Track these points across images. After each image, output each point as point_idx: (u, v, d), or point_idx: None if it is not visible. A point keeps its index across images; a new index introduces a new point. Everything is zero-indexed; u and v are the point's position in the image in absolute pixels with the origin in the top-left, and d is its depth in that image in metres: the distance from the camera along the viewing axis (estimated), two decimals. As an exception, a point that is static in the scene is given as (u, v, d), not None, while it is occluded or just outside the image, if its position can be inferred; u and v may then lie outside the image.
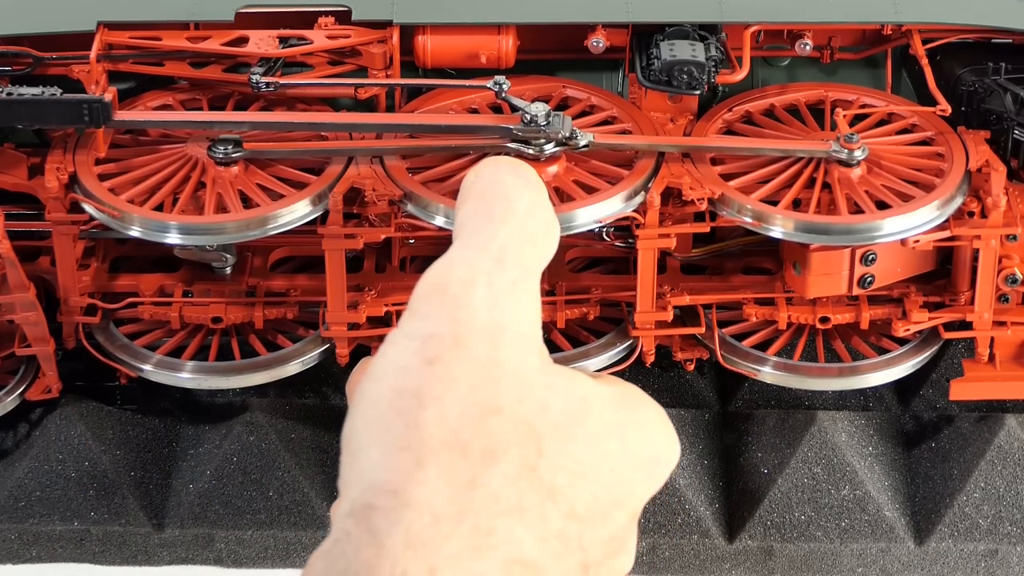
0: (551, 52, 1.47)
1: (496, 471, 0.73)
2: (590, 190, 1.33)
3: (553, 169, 1.33)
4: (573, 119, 1.35)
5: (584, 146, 1.33)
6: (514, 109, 1.34)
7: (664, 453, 0.81)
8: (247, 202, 1.34)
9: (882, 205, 1.33)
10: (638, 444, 0.80)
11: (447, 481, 0.72)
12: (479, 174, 0.84)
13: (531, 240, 0.79)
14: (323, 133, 1.38)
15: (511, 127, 1.32)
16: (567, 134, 1.32)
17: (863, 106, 1.42)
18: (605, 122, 1.40)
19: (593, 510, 0.76)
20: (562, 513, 0.75)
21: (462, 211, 0.81)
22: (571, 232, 1.32)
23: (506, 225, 0.79)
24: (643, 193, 1.33)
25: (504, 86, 1.34)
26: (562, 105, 1.43)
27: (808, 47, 1.44)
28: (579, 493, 0.76)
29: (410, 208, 1.33)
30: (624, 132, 1.38)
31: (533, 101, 1.34)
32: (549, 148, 1.33)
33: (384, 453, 0.74)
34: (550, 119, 1.31)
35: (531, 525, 0.73)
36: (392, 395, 0.75)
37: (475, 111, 1.41)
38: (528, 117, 1.31)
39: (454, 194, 1.22)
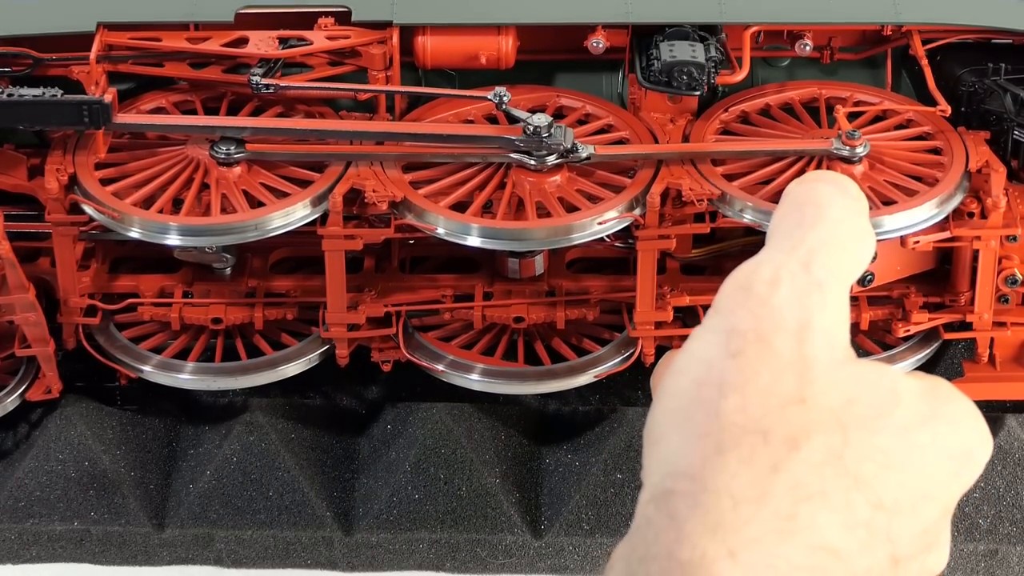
0: (551, 53, 1.47)
1: (799, 457, 0.72)
2: (594, 199, 1.33)
3: (554, 180, 1.33)
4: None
5: (585, 158, 1.33)
6: (515, 121, 1.34)
7: (976, 448, 0.78)
8: (252, 202, 1.34)
9: (886, 201, 1.33)
10: (949, 437, 0.77)
11: (747, 466, 0.72)
12: (798, 182, 0.83)
13: (840, 246, 0.79)
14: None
15: (513, 138, 1.32)
16: (569, 146, 1.32)
17: (857, 103, 1.42)
18: (602, 130, 1.40)
19: (901, 502, 0.74)
20: (868, 502, 0.73)
21: (776, 216, 0.82)
22: (572, 244, 1.33)
23: (815, 230, 0.79)
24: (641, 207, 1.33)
25: (505, 98, 1.33)
26: (557, 115, 1.42)
27: (808, 47, 1.44)
28: (886, 484, 0.74)
29: (409, 218, 1.33)
30: (622, 141, 1.38)
31: (530, 111, 1.33)
32: (551, 160, 1.33)
33: (683, 441, 0.74)
34: (552, 130, 1.31)
35: (835, 512, 0.72)
36: (693, 386, 0.75)
37: (472, 121, 1.41)
38: (530, 128, 1.31)
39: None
